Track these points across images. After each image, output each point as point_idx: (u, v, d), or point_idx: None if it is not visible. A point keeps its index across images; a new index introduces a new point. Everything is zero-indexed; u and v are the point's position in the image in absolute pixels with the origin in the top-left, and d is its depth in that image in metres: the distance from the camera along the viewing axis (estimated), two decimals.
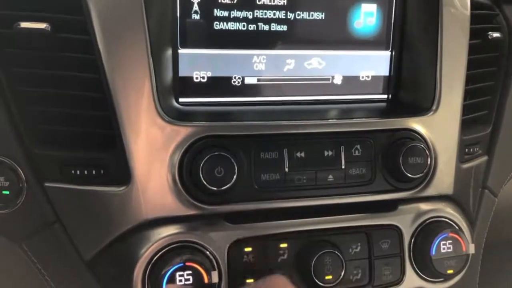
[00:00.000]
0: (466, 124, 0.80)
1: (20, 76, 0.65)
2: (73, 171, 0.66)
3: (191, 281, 0.62)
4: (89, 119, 0.66)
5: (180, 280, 0.62)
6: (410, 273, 0.74)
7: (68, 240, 0.67)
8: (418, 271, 0.74)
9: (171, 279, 0.62)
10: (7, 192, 0.66)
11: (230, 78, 0.74)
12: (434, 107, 0.76)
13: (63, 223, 0.67)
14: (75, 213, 0.66)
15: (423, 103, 0.77)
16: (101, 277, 0.67)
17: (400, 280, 0.74)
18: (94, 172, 0.65)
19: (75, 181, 0.66)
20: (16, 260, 0.70)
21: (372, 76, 0.81)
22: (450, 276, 0.74)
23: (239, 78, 0.74)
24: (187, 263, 0.62)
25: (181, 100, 0.72)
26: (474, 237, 0.80)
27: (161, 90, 0.67)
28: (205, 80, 0.73)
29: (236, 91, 0.74)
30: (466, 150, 0.82)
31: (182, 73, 0.72)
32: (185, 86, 0.73)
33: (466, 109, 0.81)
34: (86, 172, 0.65)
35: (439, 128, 0.76)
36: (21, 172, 0.66)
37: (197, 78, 0.73)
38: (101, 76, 0.64)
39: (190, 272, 0.62)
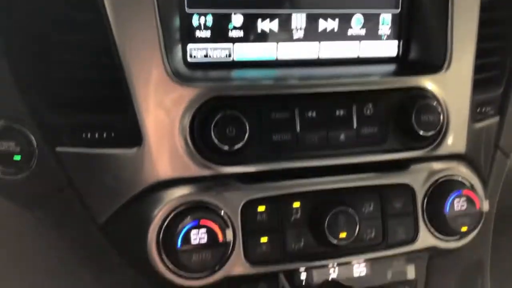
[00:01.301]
0: (478, 84, 0.79)
1: (28, 40, 0.64)
2: (84, 135, 0.65)
3: (205, 240, 0.62)
4: (99, 82, 0.65)
5: (195, 239, 0.62)
6: (423, 232, 0.74)
7: (81, 204, 0.67)
8: (432, 229, 0.74)
9: (186, 238, 0.62)
10: (19, 158, 0.66)
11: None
12: (445, 65, 0.75)
13: (76, 187, 0.66)
14: (87, 177, 0.66)
15: (435, 62, 0.76)
16: (115, 240, 0.68)
17: (413, 239, 0.74)
18: (105, 135, 0.65)
19: (86, 144, 0.65)
20: (29, 226, 0.71)
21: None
22: (464, 234, 0.74)
23: None
24: (202, 222, 0.62)
25: (190, 61, 0.72)
26: (487, 196, 0.80)
27: (170, 51, 0.66)
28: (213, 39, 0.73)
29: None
30: (478, 109, 0.81)
31: (190, 34, 0.71)
32: (194, 47, 0.72)
33: (478, 68, 0.80)
34: (97, 135, 0.65)
35: (451, 87, 0.75)
36: (32, 137, 0.65)
37: (205, 38, 0.72)
38: (110, 39, 0.63)
39: (204, 230, 0.62)
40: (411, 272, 0.75)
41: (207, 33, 0.72)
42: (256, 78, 0.71)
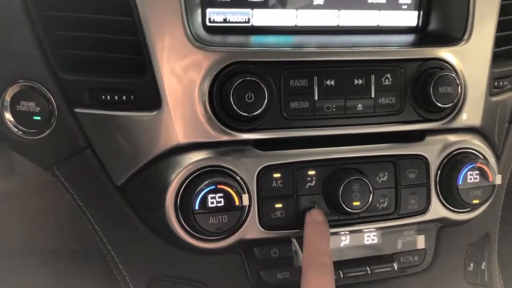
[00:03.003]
0: (497, 57, 0.79)
1: (48, 1, 0.64)
2: (103, 97, 0.66)
3: (222, 203, 0.63)
4: (119, 44, 0.65)
5: (212, 203, 0.63)
6: (435, 203, 0.75)
7: (100, 165, 0.68)
8: (444, 201, 0.75)
9: (203, 202, 0.63)
10: (39, 118, 0.66)
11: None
12: (465, 37, 0.75)
13: (94, 148, 0.67)
14: (106, 139, 0.67)
15: (454, 33, 0.76)
16: (133, 202, 0.69)
17: (425, 210, 0.75)
18: (124, 97, 0.65)
19: (105, 106, 0.66)
20: (49, 188, 0.72)
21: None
22: (476, 206, 0.75)
23: None
24: (219, 186, 0.63)
25: (209, 25, 0.71)
26: (499, 170, 0.80)
27: (190, 15, 0.66)
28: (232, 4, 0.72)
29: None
30: (496, 83, 0.81)
31: None
32: (213, 11, 0.71)
33: (498, 41, 0.79)
34: (116, 97, 0.66)
35: (470, 59, 0.75)
36: (51, 97, 0.66)
37: (224, 2, 0.71)
38: (131, 0, 0.63)
39: (221, 194, 0.63)
40: (421, 242, 0.76)
41: None
42: (275, 45, 0.70)
